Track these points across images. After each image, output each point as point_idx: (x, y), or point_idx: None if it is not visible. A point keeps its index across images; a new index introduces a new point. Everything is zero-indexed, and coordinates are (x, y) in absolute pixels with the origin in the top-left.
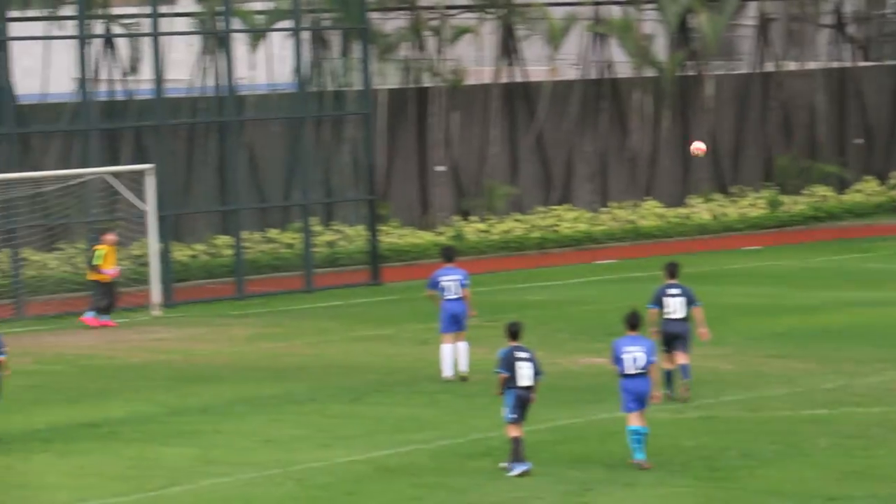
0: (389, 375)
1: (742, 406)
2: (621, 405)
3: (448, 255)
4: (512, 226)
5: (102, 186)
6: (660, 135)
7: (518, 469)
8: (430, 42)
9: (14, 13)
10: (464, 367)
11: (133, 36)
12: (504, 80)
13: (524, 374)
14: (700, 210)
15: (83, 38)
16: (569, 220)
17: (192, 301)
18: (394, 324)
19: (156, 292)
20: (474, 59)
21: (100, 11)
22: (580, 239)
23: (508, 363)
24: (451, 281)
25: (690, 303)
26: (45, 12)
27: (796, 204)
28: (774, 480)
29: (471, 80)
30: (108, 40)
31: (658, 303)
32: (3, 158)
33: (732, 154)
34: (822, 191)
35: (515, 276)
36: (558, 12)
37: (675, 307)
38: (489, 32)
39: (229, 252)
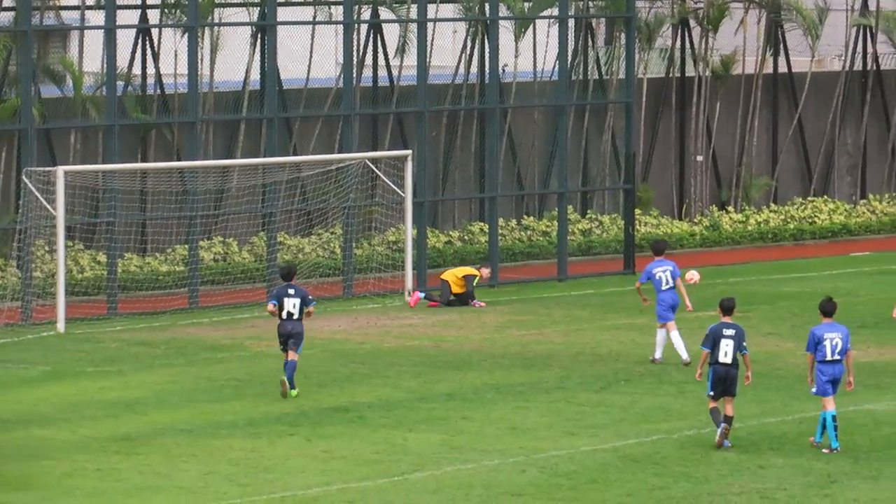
0: (639, 365)
1: None
2: (817, 389)
3: (658, 248)
4: (768, 216)
5: (362, 172)
6: None
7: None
8: (695, 32)
9: None
10: (685, 354)
11: (399, 21)
12: (768, 70)
13: (725, 351)
14: None
15: (349, 24)
16: (826, 211)
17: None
18: (645, 313)
19: (409, 278)
20: (738, 48)
21: None
22: (837, 231)
23: (713, 339)
24: (664, 272)
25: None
26: None
27: None
28: None
29: (734, 70)
30: (374, 26)
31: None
32: (265, 142)
33: None
34: None
35: (770, 267)
36: (820, 3)
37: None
38: (754, 22)
39: (484, 239)
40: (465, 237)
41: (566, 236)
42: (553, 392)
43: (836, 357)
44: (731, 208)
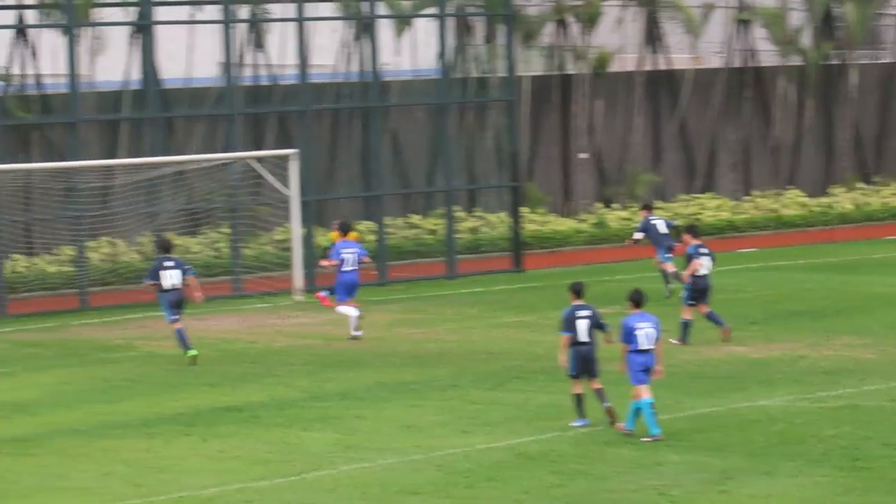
0: (531, 362)
1: (885, 396)
2: (631, 379)
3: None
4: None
5: (246, 171)
6: (803, 124)
7: (578, 423)
8: (574, 29)
9: None
10: None
11: (277, 20)
12: (647, 67)
13: (582, 331)
14: (842, 199)
15: (228, 23)
16: (711, 208)
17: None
18: (536, 311)
19: (298, 277)
20: (617, 46)
21: None
22: (722, 227)
23: (570, 323)
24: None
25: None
26: None
27: None
28: None
29: (614, 68)
30: (253, 24)
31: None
32: (147, 142)
33: (875, 143)
34: None
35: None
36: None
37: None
38: (632, 20)
39: (372, 238)
40: None
41: (453, 234)
42: (447, 390)
43: (649, 346)
44: (616, 205)
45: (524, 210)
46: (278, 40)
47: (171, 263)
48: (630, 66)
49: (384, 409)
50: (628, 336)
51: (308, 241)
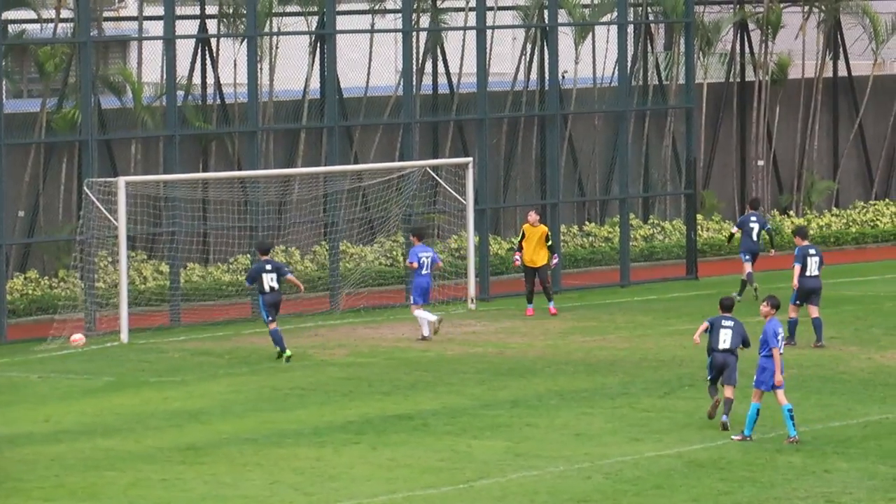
0: (703, 370)
1: None
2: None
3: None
4: (830, 220)
5: (423, 180)
6: None
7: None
8: (755, 35)
9: (342, 6)
10: None
11: (458, 29)
12: (828, 74)
13: (724, 339)
14: None
15: (408, 32)
16: (888, 214)
17: (508, 295)
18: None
19: (472, 286)
20: (798, 52)
21: (425, 4)
22: None
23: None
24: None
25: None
26: (371, 5)
27: None
28: None
29: (793, 74)
30: (433, 33)
31: None
32: (326, 151)
33: None
34: None
35: (832, 271)
36: (886, 7)
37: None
38: (813, 26)
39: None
40: None
41: (628, 242)
42: (617, 398)
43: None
44: (792, 212)
45: (699, 217)
46: (458, 48)
47: (270, 267)
48: (809, 72)
49: (555, 417)
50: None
51: (483, 249)
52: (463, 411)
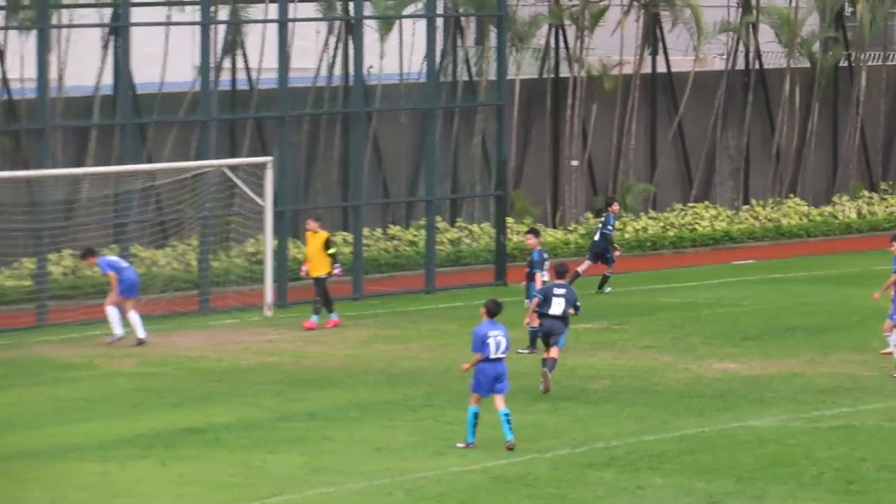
0: (511, 380)
1: (883, 415)
2: (478, 388)
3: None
4: (647, 224)
5: (219, 180)
6: (808, 129)
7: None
8: (569, 30)
9: None
10: None
11: (258, 22)
12: (646, 70)
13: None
14: (847, 208)
15: (206, 24)
16: (707, 218)
17: (306, 301)
18: (519, 326)
19: (269, 292)
20: (614, 48)
21: None
22: (718, 238)
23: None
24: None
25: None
26: None
27: None
28: None
29: (611, 71)
30: (232, 26)
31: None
32: (118, 149)
33: (884, 149)
34: None
35: (649, 277)
36: (705, 1)
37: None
38: (633, 20)
39: (348, 250)
40: None
41: (434, 246)
42: (420, 410)
43: (500, 355)
44: None
45: (510, 220)
46: (258, 42)
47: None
48: (627, 68)
49: (355, 430)
50: (482, 344)
51: (281, 253)
52: (258, 424)
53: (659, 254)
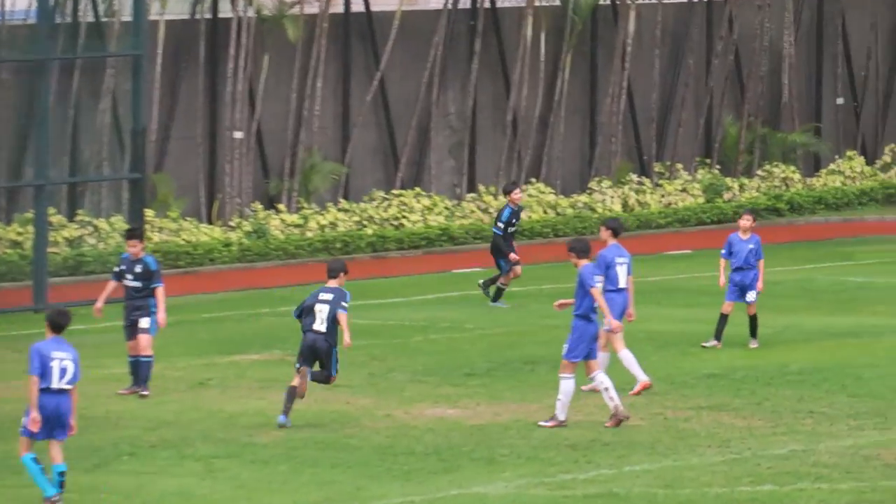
0: (149, 432)
1: (654, 479)
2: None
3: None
4: (336, 218)
5: None
6: (557, 90)
7: None
8: None
9: None
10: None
11: None
12: (337, 9)
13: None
14: (608, 197)
15: None
16: (419, 210)
17: None
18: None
19: None
20: None
21: None
22: (434, 238)
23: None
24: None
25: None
26: None
27: (746, 190)
28: None
29: (290, 11)
30: None
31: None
32: None
33: (659, 119)
34: (786, 171)
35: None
36: None
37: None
38: None
39: None
40: None
41: (46, 248)
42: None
43: (66, 386)
44: (282, 206)
45: (150, 213)
46: None
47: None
48: (311, 7)
49: None
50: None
51: None
52: None
53: (352, 258)
